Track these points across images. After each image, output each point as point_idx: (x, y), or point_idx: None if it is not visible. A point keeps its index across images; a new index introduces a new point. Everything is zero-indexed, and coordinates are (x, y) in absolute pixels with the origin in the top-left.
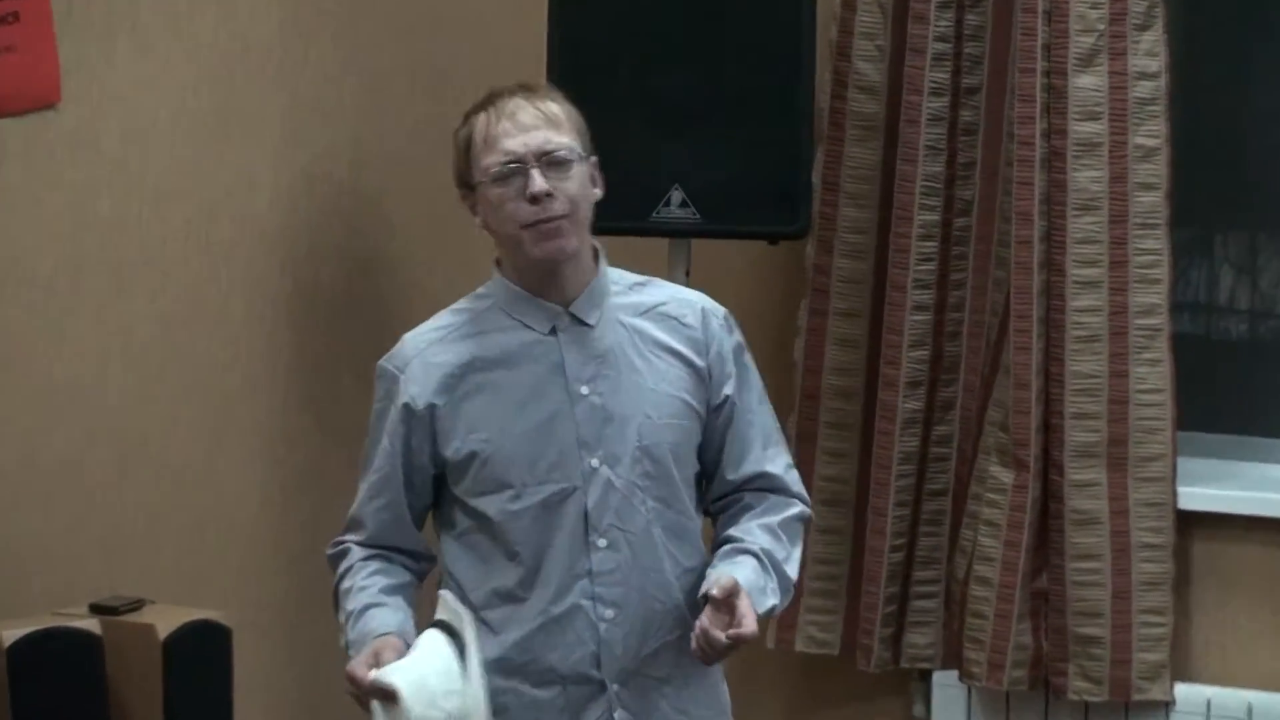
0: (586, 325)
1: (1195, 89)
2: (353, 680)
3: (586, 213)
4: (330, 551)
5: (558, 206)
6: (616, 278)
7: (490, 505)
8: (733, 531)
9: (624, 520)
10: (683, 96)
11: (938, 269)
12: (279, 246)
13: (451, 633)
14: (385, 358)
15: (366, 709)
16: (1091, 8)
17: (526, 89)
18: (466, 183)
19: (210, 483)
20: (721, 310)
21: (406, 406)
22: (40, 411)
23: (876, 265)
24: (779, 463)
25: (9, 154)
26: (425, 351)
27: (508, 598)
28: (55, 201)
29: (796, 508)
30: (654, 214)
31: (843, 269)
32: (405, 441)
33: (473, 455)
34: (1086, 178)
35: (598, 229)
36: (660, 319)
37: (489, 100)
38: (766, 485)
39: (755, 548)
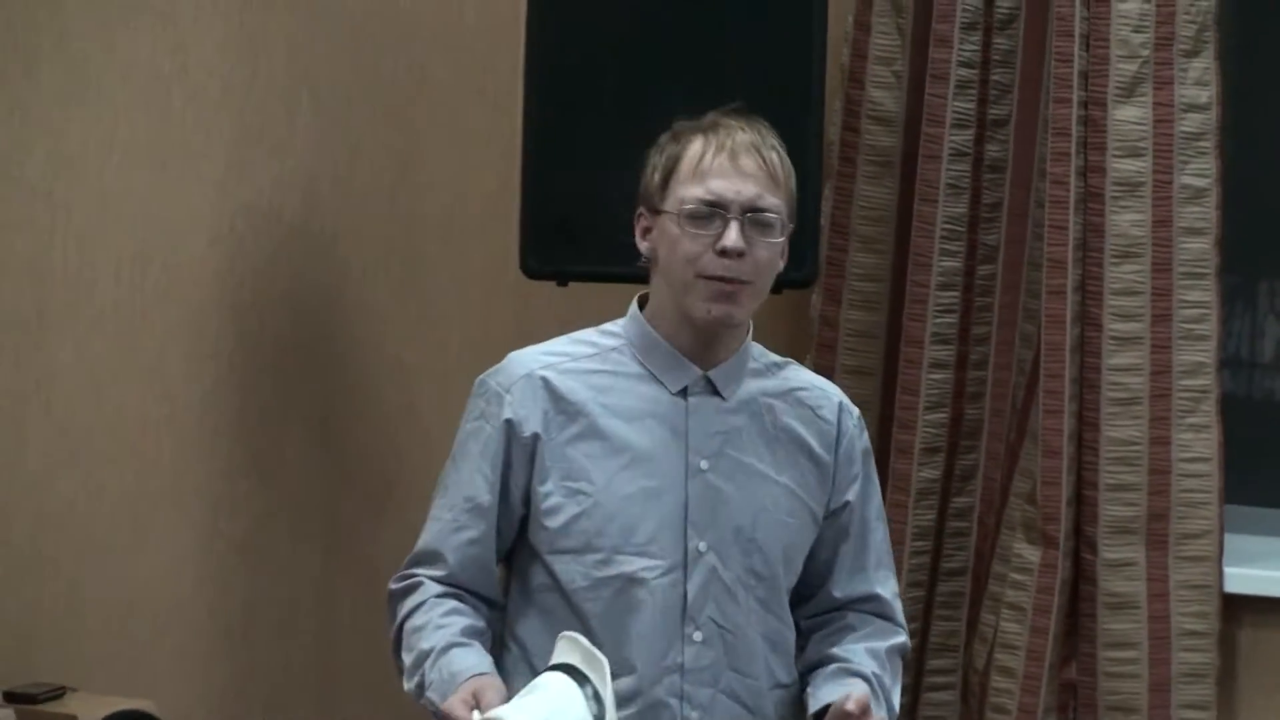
0: (719, 396)
1: (1235, 120)
2: (446, 717)
3: (767, 285)
4: (395, 585)
5: (745, 270)
6: (757, 354)
7: (571, 568)
8: (836, 651)
9: (725, 616)
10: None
11: (959, 322)
12: (221, 292)
13: (581, 680)
14: (487, 373)
15: None
16: (1135, 31)
17: (754, 126)
18: (652, 204)
19: (140, 556)
20: (856, 410)
21: (510, 424)
22: None
23: (890, 317)
24: (889, 587)
25: None
26: (536, 374)
27: None
28: None
29: (900, 637)
30: (643, 257)
31: (852, 321)
32: (505, 466)
33: (566, 504)
34: (1127, 221)
35: (577, 276)
36: (796, 405)
37: (713, 126)
38: (874, 610)
39: (866, 671)
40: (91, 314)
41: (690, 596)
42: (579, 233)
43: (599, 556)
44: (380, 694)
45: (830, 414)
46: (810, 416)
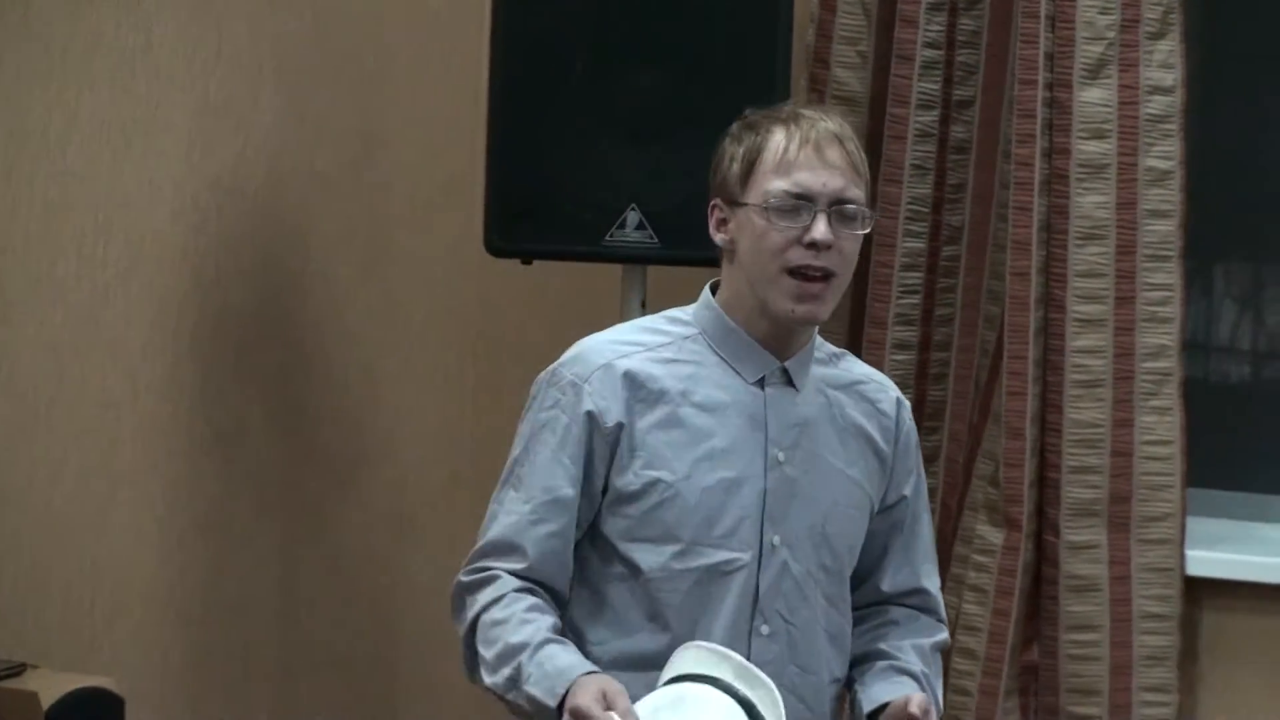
0: (793, 387)
1: (1195, 102)
2: (582, 716)
3: (849, 278)
4: (466, 578)
5: (832, 261)
6: (817, 344)
7: (648, 556)
8: (883, 647)
9: (793, 611)
10: (641, 104)
11: (923, 303)
12: (183, 268)
13: (748, 709)
14: (558, 364)
15: None
16: (1100, 13)
17: (833, 117)
18: (731, 195)
19: (101, 533)
20: (908, 403)
21: (591, 416)
22: None
23: (854, 298)
24: (934, 581)
25: None
26: (613, 364)
27: (645, 665)
28: None
29: (943, 634)
30: (607, 236)
31: None
32: (587, 459)
33: (645, 493)
34: (1091, 203)
35: (542, 254)
36: (858, 398)
37: (794, 116)
38: (920, 604)
39: (915, 670)
40: (53, 289)
41: (762, 590)
42: (543, 211)
43: (678, 548)
44: (339, 671)
45: (889, 407)
46: (871, 410)
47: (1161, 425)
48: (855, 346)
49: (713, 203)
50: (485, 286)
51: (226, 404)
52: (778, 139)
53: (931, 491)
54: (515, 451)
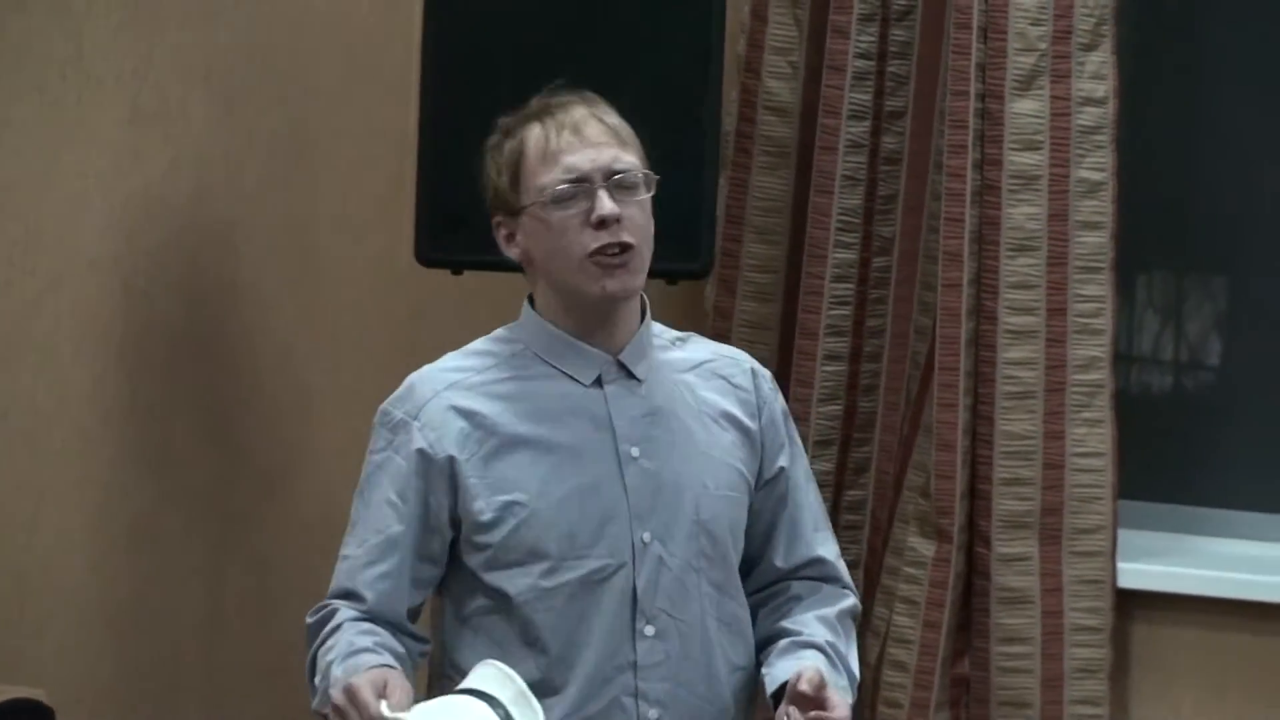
0: (634, 378)
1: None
2: (353, 698)
3: (650, 247)
4: (311, 619)
5: (626, 234)
6: (657, 330)
7: (515, 581)
8: (786, 624)
9: (676, 606)
10: None
11: (853, 314)
12: (112, 279)
13: (493, 705)
14: (389, 402)
15: None
16: (1032, 24)
17: (584, 97)
18: (508, 206)
19: (30, 544)
20: (767, 372)
21: (422, 454)
22: None
23: (785, 309)
24: (830, 547)
25: None
26: (443, 395)
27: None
28: None
29: (849, 600)
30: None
31: (747, 312)
32: (422, 496)
33: (501, 519)
34: (1023, 214)
35: (472, 265)
36: (709, 377)
37: (543, 110)
38: (819, 574)
39: (820, 641)
40: None
41: (640, 590)
42: (474, 222)
43: (545, 566)
44: (268, 682)
45: (745, 380)
46: (726, 386)
47: (1093, 437)
48: (785, 357)
49: (495, 221)
50: (415, 297)
51: (155, 414)
52: (535, 135)
53: (861, 503)
54: (356, 496)
